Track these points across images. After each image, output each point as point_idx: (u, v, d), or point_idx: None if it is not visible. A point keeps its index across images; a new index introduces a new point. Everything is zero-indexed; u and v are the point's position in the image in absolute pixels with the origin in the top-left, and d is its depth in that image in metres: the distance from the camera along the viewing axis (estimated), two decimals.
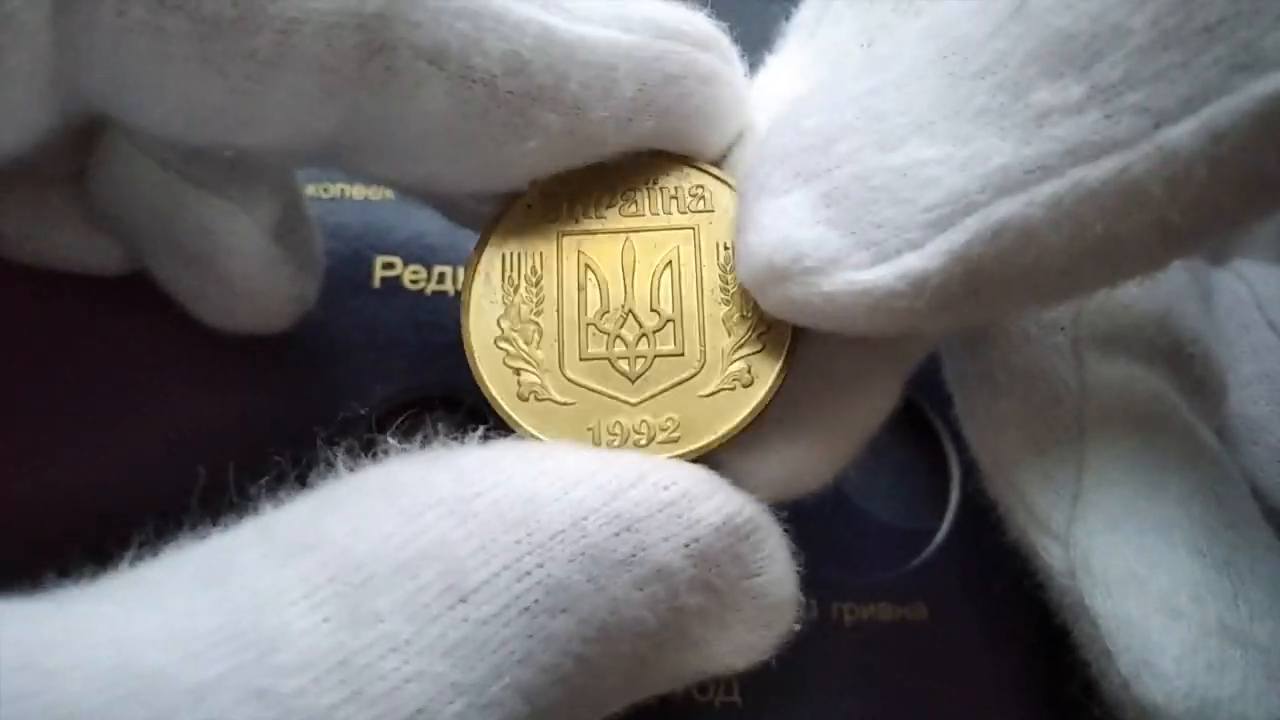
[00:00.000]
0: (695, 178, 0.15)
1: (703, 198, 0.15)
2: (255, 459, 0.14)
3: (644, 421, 0.13)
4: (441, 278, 0.20)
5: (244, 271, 0.15)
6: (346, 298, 0.19)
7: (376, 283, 0.19)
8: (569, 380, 0.14)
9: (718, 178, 0.15)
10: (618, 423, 0.13)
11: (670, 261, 0.14)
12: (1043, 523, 0.14)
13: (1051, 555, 0.14)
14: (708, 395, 0.14)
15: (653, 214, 0.15)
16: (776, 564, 0.13)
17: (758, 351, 0.14)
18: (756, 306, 0.13)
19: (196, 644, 0.10)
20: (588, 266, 0.14)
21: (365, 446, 0.18)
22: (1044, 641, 0.17)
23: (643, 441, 0.13)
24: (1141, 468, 0.13)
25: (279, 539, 0.11)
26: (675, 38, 0.13)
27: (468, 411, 0.19)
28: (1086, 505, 0.13)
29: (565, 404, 0.14)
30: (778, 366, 0.13)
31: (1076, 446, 0.14)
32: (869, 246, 0.12)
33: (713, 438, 0.13)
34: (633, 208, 0.15)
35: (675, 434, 0.13)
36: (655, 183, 0.15)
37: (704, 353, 0.14)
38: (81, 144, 0.15)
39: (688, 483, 0.12)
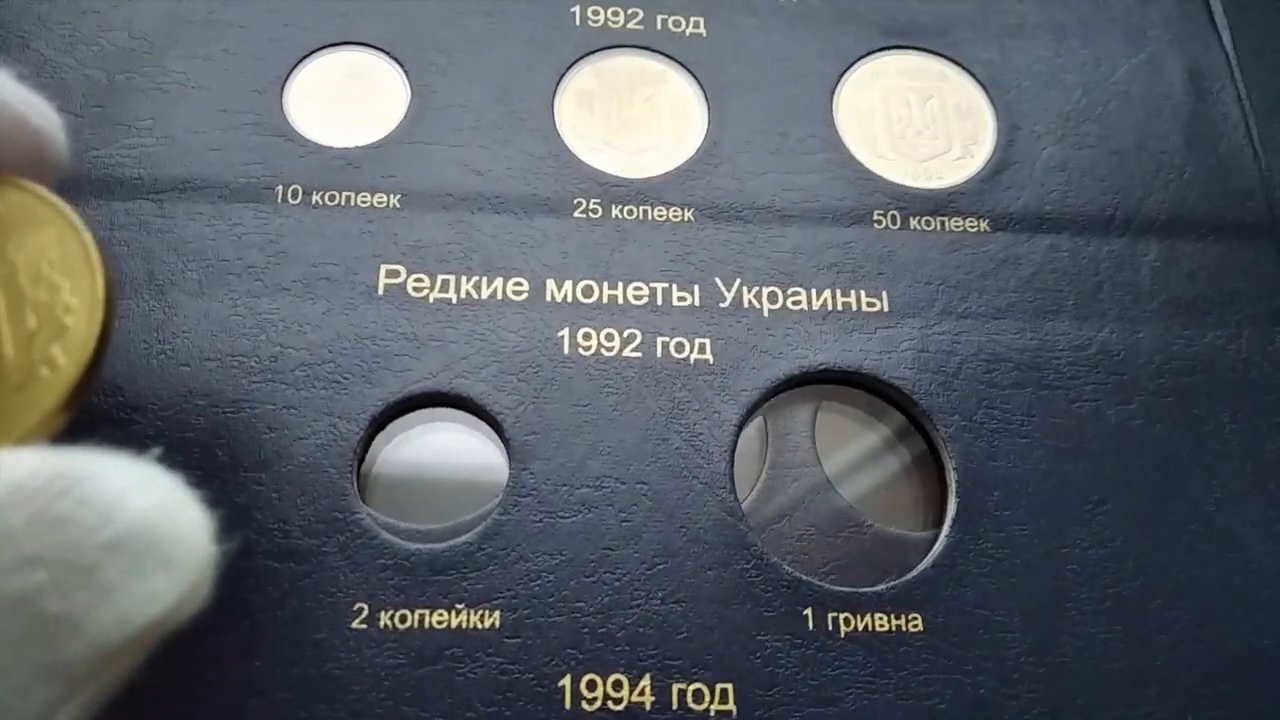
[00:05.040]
0: None
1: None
2: None
3: None
4: (445, 285, 0.20)
5: None
6: (350, 305, 0.19)
7: (380, 290, 0.20)
8: None
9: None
10: None
11: None
12: None
13: None
14: (15, 390, 0.13)
15: None
16: (128, 507, 0.12)
17: (62, 334, 0.14)
18: (55, 291, 0.14)
19: None
20: None
21: (365, 450, 0.19)
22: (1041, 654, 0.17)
23: None
24: None
25: None
26: None
27: (475, 414, 0.19)
28: None
29: None
30: (84, 345, 0.14)
31: None
32: None
33: (19, 433, 0.13)
34: None
35: None
36: None
37: (3, 350, 0.14)
38: None
39: None
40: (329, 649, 0.17)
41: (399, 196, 0.21)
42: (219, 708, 0.16)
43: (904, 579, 0.18)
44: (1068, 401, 0.20)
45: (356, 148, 0.21)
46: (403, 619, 0.17)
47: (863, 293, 0.20)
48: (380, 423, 0.19)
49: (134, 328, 0.19)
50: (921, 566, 0.18)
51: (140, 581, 0.11)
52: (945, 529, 0.18)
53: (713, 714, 0.17)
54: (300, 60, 0.22)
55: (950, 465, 0.19)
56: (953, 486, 0.19)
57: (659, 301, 0.20)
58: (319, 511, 0.18)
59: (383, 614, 0.17)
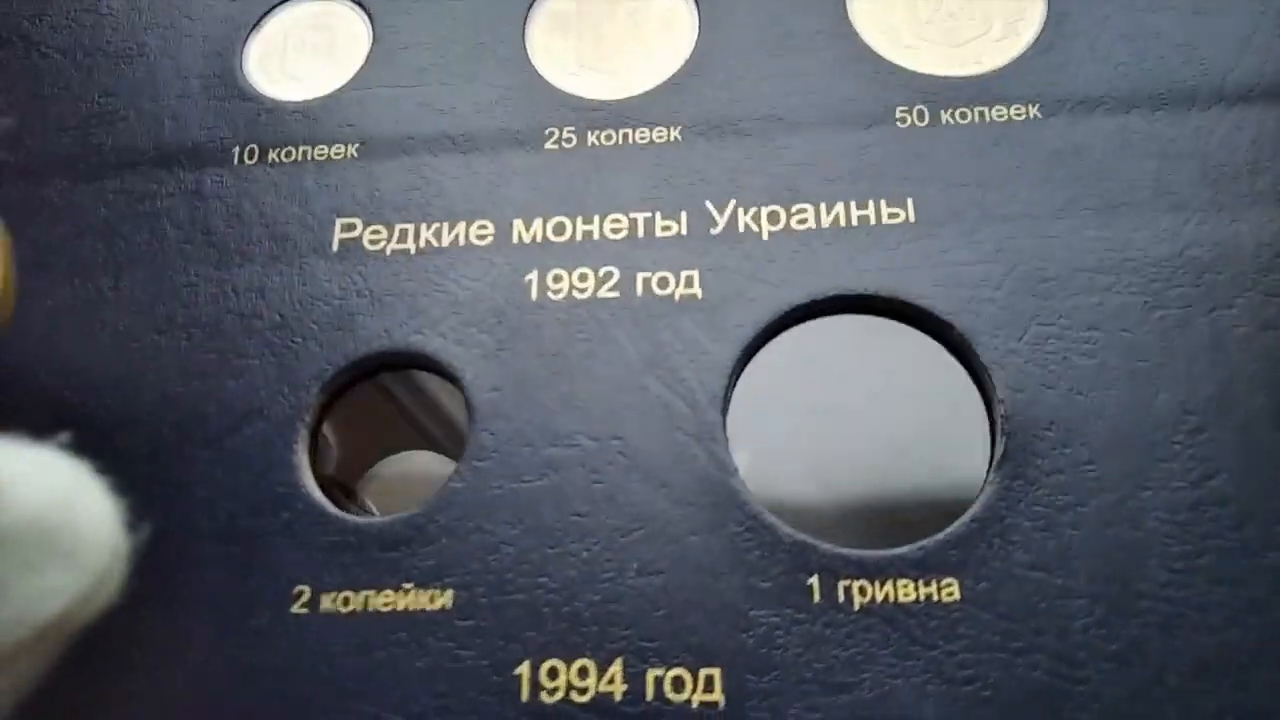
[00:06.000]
0: None
1: None
2: None
3: None
4: (404, 236, 0.18)
5: None
6: (305, 265, 0.18)
7: (334, 246, 0.18)
8: None
9: None
10: None
11: None
12: None
13: None
14: None
15: None
16: (18, 500, 0.11)
17: None
18: None
19: None
20: None
21: (317, 419, 0.17)
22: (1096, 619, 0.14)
23: None
24: None
25: None
26: None
27: (433, 371, 0.17)
28: None
29: None
30: None
31: None
32: None
33: None
34: None
35: None
36: None
37: None
38: None
39: None
40: (268, 635, 0.15)
41: (357, 145, 0.19)
42: (154, 702, 0.15)
43: (936, 537, 0.15)
44: (1146, 311, 0.16)
45: (315, 99, 0.20)
46: (345, 601, 0.15)
47: (883, 203, 0.17)
48: (332, 390, 0.17)
49: (86, 308, 0.18)
50: (959, 521, 0.15)
51: (33, 578, 0.11)
52: (988, 474, 0.15)
53: (695, 705, 0.14)
54: (263, 17, 0.21)
55: (996, 398, 0.15)
56: (999, 423, 0.15)
57: (640, 234, 0.17)
58: (265, 487, 0.16)
59: (324, 597, 0.15)
